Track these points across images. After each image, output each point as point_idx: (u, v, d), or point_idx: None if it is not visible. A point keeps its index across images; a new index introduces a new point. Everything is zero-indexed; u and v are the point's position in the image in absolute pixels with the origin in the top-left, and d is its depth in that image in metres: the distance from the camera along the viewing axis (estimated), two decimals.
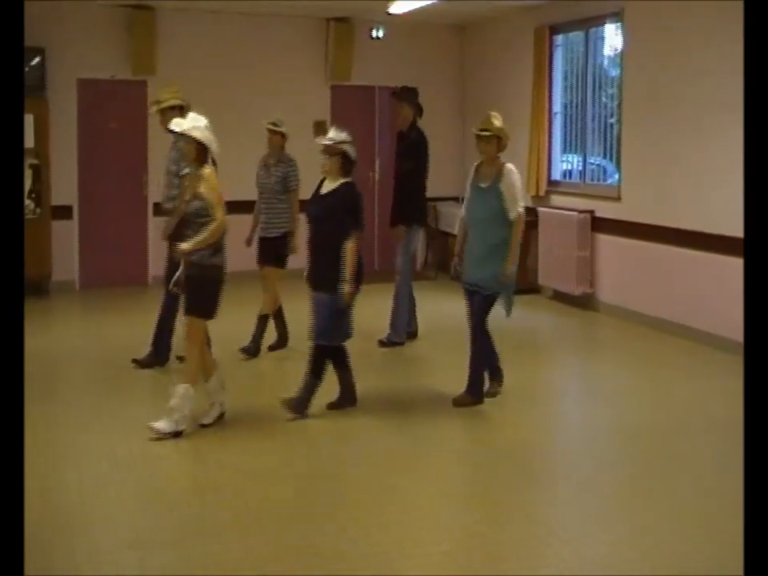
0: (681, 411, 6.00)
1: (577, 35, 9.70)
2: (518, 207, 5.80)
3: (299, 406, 5.59)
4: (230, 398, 5.63)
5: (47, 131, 9.36)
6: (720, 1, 7.47)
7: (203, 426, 5.41)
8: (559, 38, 9.95)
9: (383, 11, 9.76)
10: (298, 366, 5.87)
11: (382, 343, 7.46)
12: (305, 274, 5.63)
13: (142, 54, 9.95)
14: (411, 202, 7.58)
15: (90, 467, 4.86)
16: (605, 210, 8.96)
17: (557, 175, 10.10)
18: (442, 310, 8.68)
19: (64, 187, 9.83)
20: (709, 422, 5.77)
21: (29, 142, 8.89)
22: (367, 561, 3.80)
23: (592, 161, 9.68)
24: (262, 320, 7.15)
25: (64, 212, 9.85)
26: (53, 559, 3.80)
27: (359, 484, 4.72)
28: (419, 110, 7.84)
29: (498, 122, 5.92)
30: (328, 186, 5.67)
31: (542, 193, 9.93)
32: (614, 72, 9.27)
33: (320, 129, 10.97)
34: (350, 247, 5.46)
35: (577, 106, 9.73)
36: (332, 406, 5.77)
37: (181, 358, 6.34)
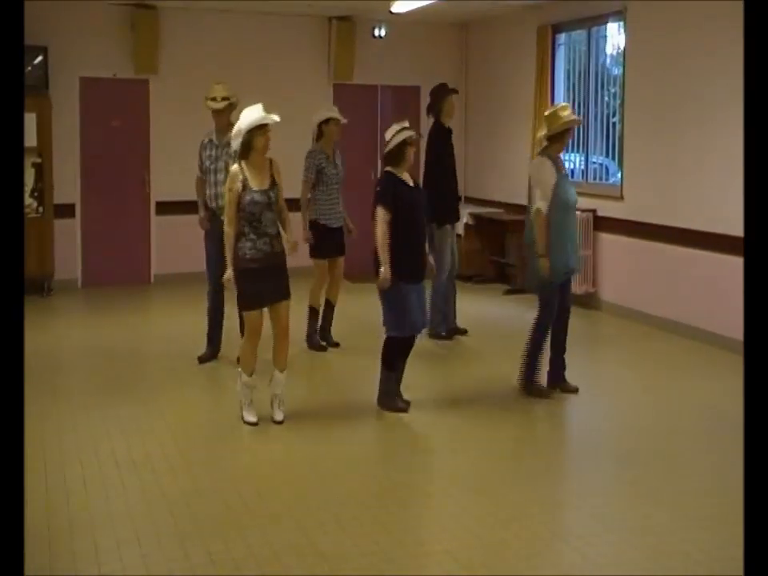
0: (684, 410, 5.99)
1: (579, 34, 9.69)
2: None
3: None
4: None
5: (50, 130, 9.37)
6: (722, 0, 7.47)
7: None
8: (562, 37, 9.94)
9: (386, 10, 9.76)
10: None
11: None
12: (390, 267, 5.50)
13: (144, 53, 9.96)
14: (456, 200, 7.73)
15: (90, 466, 4.86)
16: (607, 209, 8.95)
17: None
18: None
19: (66, 186, 9.84)
20: (712, 421, 5.76)
21: (31, 140, 8.90)
22: (368, 559, 3.82)
23: (594, 160, 9.67)
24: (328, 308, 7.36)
25: (66, 210, 9.86)
26: (55, 558, 3.81)
27: (358, 483, 4.73)
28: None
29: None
30: (407, 178, 5.76)
31: None
32: (617, 71, 9.26)
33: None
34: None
35: (579, 105, 9.71)
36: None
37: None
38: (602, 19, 9.20)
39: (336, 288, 7.40)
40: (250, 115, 5.34)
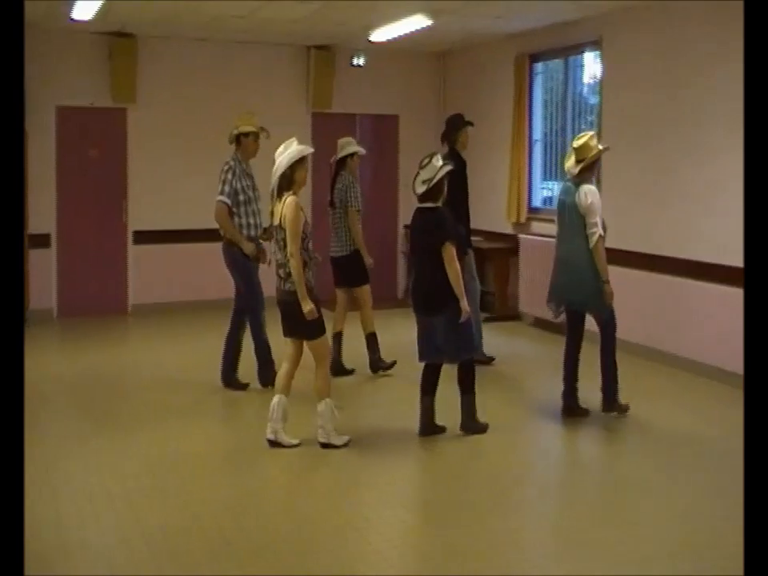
0: (660, 436, 5.97)
1: (556, 63, 9.77)
2: None
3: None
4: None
5: (26, 158, 9.30)
6: (697, 28, 7.57)
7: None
8: (539, 66, 10.02)
9: (364, 39, 9.81)
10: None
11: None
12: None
13: (122, 81, 9.93)
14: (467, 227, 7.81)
15: (65, 499, 4.76)
16: None
17: (537, 202, 10.13)
18: None
19: (42, 215, 9.76)
20: (689, 448, 5.75)
21: None
22: None
23: None
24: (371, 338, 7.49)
25: (42, 240, 9.77)
26: None
27: (332, 516, 4.66)
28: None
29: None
30: None
31: (522, 220, 9.95)
32: (593, 100, 9.34)
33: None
34: None
35: (556, 133, 9.79)
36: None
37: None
38: (578, 49, 9.29)
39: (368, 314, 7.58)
40: (291, 149, 5.43)
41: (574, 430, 6.25)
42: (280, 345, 6.04)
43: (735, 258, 7.15)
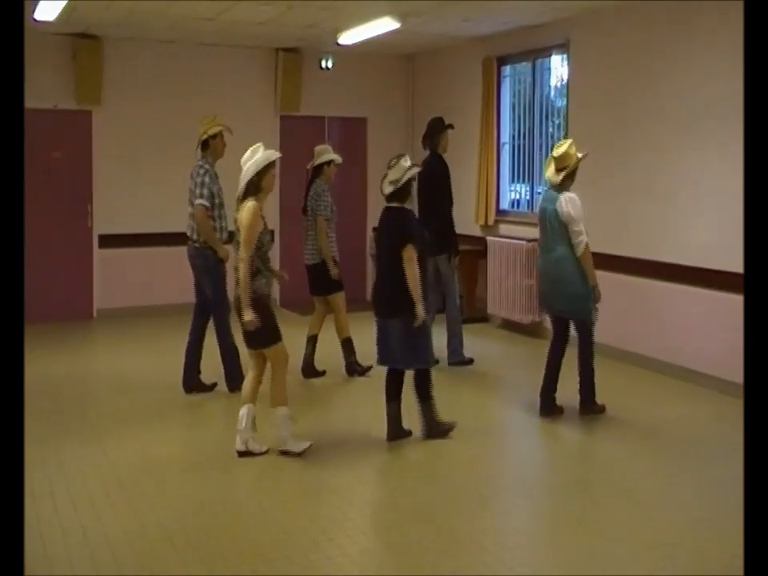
0: (629, 437, 6.00)
1: (524, 66, 9.81)
2: None
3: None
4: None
5: None
6: (662, 30, 7.63)
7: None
8: (507, 69, 10.05)
9: (333, 41, 9.78)
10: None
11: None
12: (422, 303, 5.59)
13: (86, 83, 9.81)
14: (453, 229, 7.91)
15: (27, 506, 4.67)
16: None
17: (505, 205, 10.15)
18: None
19: None
20: (660, 449, 5.78)
21: None
22: None
23: (539, 190, 9.74)
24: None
25: None
26: None
27: (305, 520, 4.62)
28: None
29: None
30: None
31: (490, 222, 9.97)
32: (560, 102, 9.38)
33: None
34: None
35: (524, 136, 9.82)
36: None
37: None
38: (545, 52, 9.33)
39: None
40: (258, 155, 5.37)
41: (546, 430, 6.27)
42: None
43: (704, 259, 7.22)
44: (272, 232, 5.50)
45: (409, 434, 5.85)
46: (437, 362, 7.42)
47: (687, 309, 7.40)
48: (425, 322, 5.58)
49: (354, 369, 7.50)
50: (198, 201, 6.66)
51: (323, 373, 7.51)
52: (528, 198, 9.78)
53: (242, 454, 5.46)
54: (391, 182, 5.64)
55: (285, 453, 5.48)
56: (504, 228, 9.88)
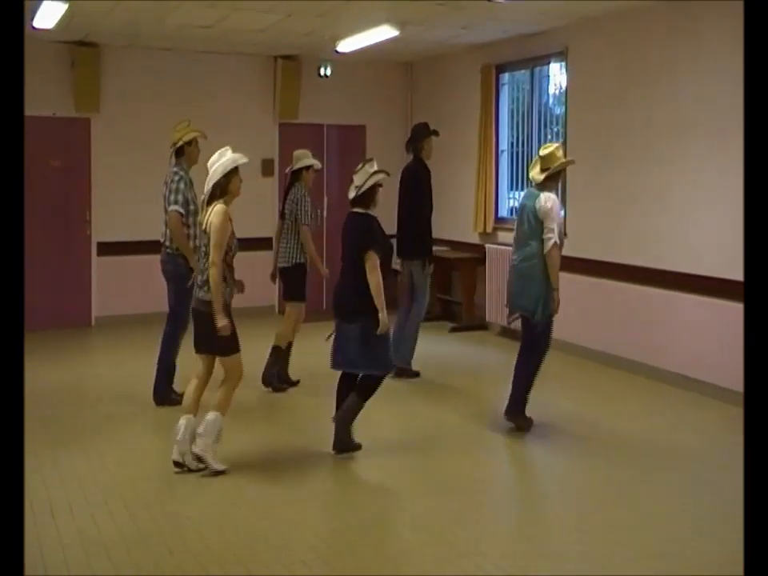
0: (625, 443, 5.99)
1: (522, 74, 9.82)
2: None
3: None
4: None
5: None
6: (661, 38, 7.64)
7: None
8: (505, 77, 10.06)
9: (331, 49, 9.79)
10: None
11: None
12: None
13: (85, 91, 9.82)
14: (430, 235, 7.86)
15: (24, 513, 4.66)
16: None
17: (504, 212, 10.16)
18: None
19: None
20: (656, 456, 5.77)
21: None
22: None
23: None
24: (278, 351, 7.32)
25: None
26: None
27: (308, 528, 4.60)
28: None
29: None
30: None
31: (489, 230, 9.98)
32: (559, 110, 9.39)
33: (268, 167, 10.96)
34: None
35: (523, 144, 9.83)
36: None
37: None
38: (544, 59, 9.34)
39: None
40: (225, 157, 5.31)
41: (540, 437, 6.25)
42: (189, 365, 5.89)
43: (702, 266, 7.22)
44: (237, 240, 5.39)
45: (358, 447, 5.68)
46: (395, 367, 7.33)
47: (684, 316, 7.39)
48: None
49: (270, 382, 7.27)
50: (173, 207, 6.62)
51: (297, 382, 7.41)
52: None
53: (177, 464, 5.29)
54: (355, 187, 5.60)
55: (199, 459, 5.25)
56: (503, 236, 9.88)
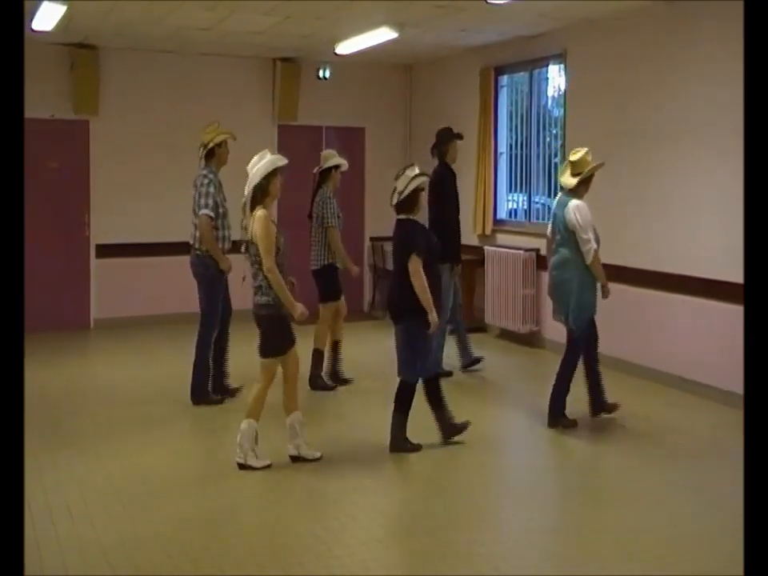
0: (626, 446, 5.99)
1: (521, 76, 9.82)
2: None
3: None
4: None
5: None
6: (660, 40, 7.64)
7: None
8: (504, 79, 10.07)
9: (330, 51, 9.79)
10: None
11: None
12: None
13: (84, 93, 9.82)
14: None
15: (30, 517, 4.65)
16: None
17: (502, 214, 10.16)
18: None
19: None
20: (659, 459, 5.77)
21: None
22: None
23: (537, 200, 9.75)
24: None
25: None
26: None
27: (307, 536, 4.59)
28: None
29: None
30: None
31: (487, 232, 9.97)
32: (558, 112, 9.39)
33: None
34: None
35: (522, 146, 9.83)
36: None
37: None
38: (543, 62, 9.34)
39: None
40: (265, 159, 5.35)
41: (544, 439, 6.25)
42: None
43: (704, 269, 7.22)
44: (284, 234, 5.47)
45: (415, 448, 5.76)
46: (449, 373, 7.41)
47: (687, 319, 7.39)
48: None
49: (317, 383, 7.34)
50: (204, 211, 6.64)
51: (350, 380, 7.51)
52: (525, 207, 9.78)
53: (242, 466, 5.38)
54: (399, 193, 5.64)
55: (243, 466, 5.36)
56: (501, 237, 9.88)
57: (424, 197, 5.81)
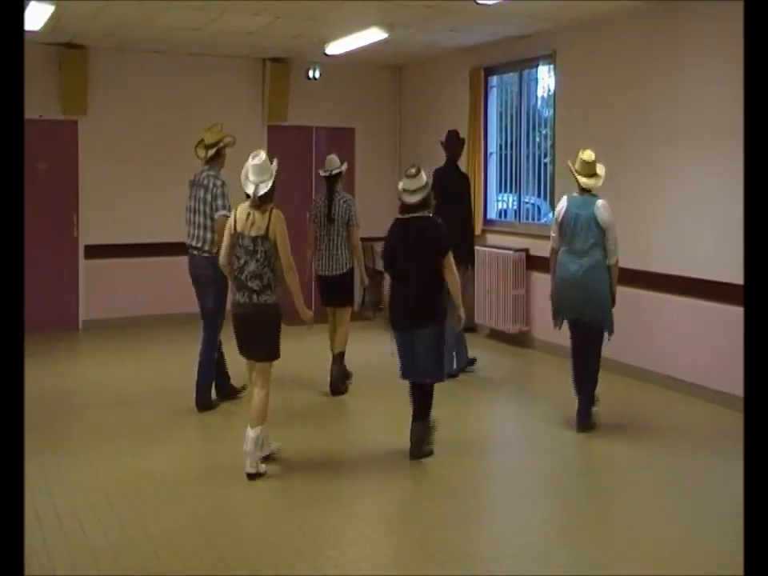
0: (615, 446, 6.00)
1: (511, 76, 9.83)
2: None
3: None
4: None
5: None
6: (649, 41, 7.66)
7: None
8: (494, 79, 10.07)
9: (320, 52, 9.78)
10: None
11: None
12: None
13: (72, 93, 9.78)
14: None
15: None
16: (540, 248, 9.00)
17: (492, 214, 10.16)
18: None
19: None
20: (657, 460, 5.77)
21: None
22: None
23: (527, 200, 9.77)
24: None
25: None
26: None
27: (300, 540, 4.59)
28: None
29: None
30: None
31: (478, 232, 9.95)
32: (547, 113, 9.40)
33: None
34: None
35: (511, 146, 9.84)
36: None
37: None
38: (532, 62, 9.35)
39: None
40: (264, 161, 5.31)
41: (540, 440, 6.25)
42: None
43: (700, 270, 7.23)
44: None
45: (430, 452, 5.73)
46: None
47: (683, 320, 7.40)
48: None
49: (338, 387, 7.29)
50: (223, 212, 6.51)
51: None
52: (515, 207, 9.79)
53: (252, 476, 5.26)
54: (417, 190, 5.54)
55: (253, 476, 5.27)
56: (491, 238, 9.89)
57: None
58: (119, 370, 8.25)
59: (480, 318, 9.75)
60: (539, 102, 9.73)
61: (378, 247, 11.15)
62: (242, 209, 5.34)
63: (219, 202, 6.61)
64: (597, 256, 6.14)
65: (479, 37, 9.34)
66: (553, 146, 8.91)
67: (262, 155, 5.35)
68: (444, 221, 7.43)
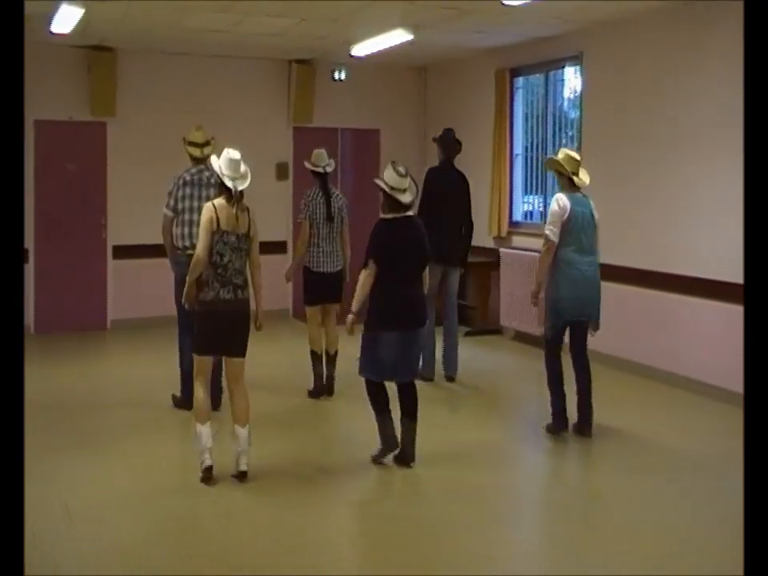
0: (638, 450, 5.97)
1: (537, 78, 9.80)
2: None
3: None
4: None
5: None
6: (677, 43, 7.61)
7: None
8: (520, 81, 10.04)
9: (346, 53, 9.81)
10: None
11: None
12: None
13: (101, 95, 9.87)
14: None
15: (40, 517, 4.67)
16: None
17: (518, 216, 10.14)
18: None
19: None
20: (664, 460, 5.75)
21: None
22: None
23: None
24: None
25: None
26: None
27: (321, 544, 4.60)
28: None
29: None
30: None
31: (503, 234, 9.95)
32: (574, 114, 9.36)
33: (282, 171, 10.98)
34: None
35: (537, 148, 9.80)
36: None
37: None
38: (558, 63, 9.32)
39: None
40: (238, 158, 5.31)
41: (552, 444, 6.22)
42: None
43: (713, 270, 7.18)
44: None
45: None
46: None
47: (692, 319, 7.35)
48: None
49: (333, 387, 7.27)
50: None
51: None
52: (541, 209, 9.75)
53: (243, 475, 5.23)
54: (407, 190, 5.44)
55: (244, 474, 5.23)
56: (517, 240, 9.86)
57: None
58: (145, 369, 8.30)
59: (505, 321, 9.72)
60: (565, 104, 9.69)
61: None
62: (221, 206, 5.21)
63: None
64: (596, 254, 6.21)
65: (505, 38, 9.32)
66: (579, 147, 8.87)
67: (238, 153, 5.33)
68: (443, 221, 7.44)
